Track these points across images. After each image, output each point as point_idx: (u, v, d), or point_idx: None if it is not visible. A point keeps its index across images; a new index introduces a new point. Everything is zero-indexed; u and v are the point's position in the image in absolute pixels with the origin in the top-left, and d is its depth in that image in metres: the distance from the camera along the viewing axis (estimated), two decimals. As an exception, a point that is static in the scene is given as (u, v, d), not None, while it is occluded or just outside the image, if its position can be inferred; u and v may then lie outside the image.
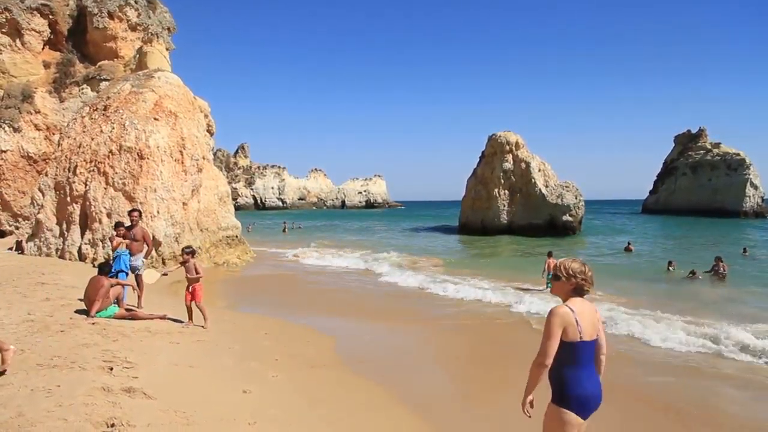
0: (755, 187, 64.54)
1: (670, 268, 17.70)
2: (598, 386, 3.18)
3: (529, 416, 3.19)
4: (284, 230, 42.92)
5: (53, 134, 22.77)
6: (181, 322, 8.16)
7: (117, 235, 9.30)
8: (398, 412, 5.47)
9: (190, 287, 7.99)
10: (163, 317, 8.28)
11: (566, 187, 35.13)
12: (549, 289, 13.54)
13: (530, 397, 3.20)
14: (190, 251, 8.14)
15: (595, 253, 24.96)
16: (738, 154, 66.40)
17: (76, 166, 16.19)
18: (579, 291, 3.22)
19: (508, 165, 36.36)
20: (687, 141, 74.28)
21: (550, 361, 3.08)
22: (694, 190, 68.57)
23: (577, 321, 3.08)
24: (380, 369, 7.11)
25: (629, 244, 25.94)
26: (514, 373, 7.50)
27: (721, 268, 16.29)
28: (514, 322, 10.52)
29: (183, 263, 8.15)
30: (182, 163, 17.10)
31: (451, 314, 11.33)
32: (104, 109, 17.37)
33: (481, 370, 7.68)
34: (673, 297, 13.44)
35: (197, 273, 7.98)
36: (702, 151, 70.27)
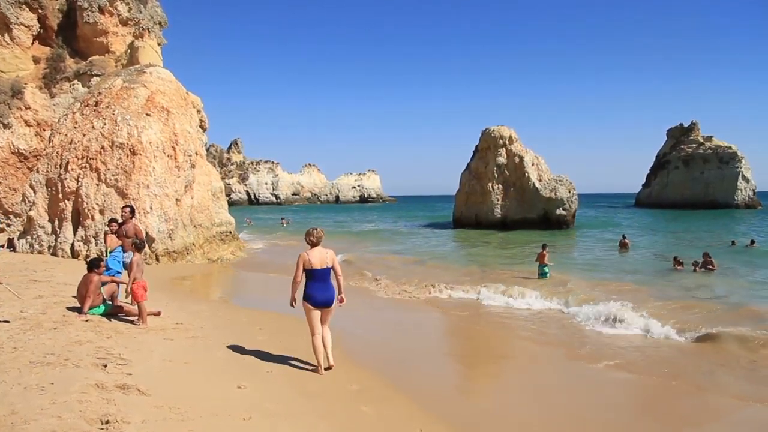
0: (747, 180, 65.11)
1: (677, 267, 16.58)
2: (327, 292, 6.04)
3: (293, 306, 6.15)
4: (283, 224, 43.57)
5: (44, 130, 22.53)
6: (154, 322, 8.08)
7: (111, 231, 9.26)
8: (398, 406, 5.48)
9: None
10: (157, 313, 8.27)
11: (560, 181, 35.18)
12: (540, 278, 13.94)
13: (295, 299, 6.18)
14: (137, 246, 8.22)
15: (587, 248, 24.49)
16: (730, 148, 66.87)
17: (68, 162, 16.07)
18: (311, 243, 6.07)
19: (502, 159, 36.35)
20: (679, 135, 74.58)
21: (296, 280, 6.06)
22: (686, 183, 68.94)
23: (309, 259, 5.97)
24: (381, 364, 7.10)
25: (624, 238, 23.28)
26: (511, 366, 7.59)
27: (710, 264, 16.23)
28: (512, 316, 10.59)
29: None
30: (175, 158, 17.01)
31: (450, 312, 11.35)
32: (96, 105, 17.23)
33: (482, 364, 7.72)
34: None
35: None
36: (694, 145, 70.63)
